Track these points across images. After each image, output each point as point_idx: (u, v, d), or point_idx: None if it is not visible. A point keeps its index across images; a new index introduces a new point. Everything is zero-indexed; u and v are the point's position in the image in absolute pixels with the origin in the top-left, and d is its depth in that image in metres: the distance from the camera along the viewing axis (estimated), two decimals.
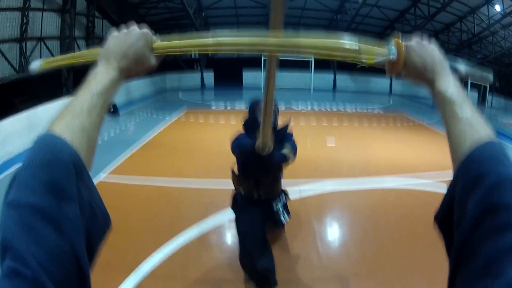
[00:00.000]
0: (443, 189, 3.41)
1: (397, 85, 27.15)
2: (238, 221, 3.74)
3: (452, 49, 25.73)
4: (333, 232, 5.77)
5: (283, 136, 3.47)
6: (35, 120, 10.90)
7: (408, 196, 7.22)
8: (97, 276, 1.98)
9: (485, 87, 25.46)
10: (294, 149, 3.40)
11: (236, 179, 3.73)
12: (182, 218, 5.81)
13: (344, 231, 5.82)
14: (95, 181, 6.85)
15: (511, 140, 11.91)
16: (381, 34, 27.18)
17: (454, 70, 1.09)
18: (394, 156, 10.10)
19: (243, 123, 3.59)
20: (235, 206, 3.90)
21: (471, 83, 24.77)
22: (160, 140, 11.19)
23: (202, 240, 5.10)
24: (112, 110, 14.82)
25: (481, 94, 26.00)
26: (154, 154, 9.79)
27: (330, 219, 6.19)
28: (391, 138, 12.72)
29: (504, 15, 18.89)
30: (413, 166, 8.97)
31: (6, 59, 12.97)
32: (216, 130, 12.42)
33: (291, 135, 3.58)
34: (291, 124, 3.67)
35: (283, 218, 3.68)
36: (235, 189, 3.85)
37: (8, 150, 9.46)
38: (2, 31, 12.57)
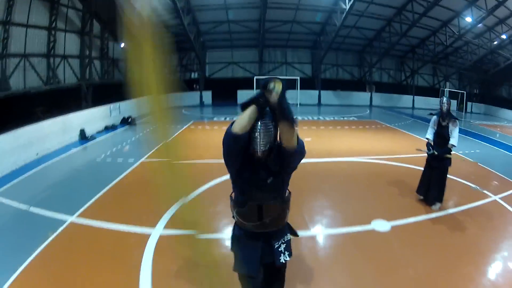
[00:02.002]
0: (377, 161, 10.08)
1: (377, 98, 29.80)
2: (235, 262, 3.27)
3: (429, 61, 28.49)
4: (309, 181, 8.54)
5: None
6: (68, 124, 13.37)
7: (355, 165, 10.58)
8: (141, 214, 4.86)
9: (462, 94, 27.75)
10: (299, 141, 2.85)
11: (233, 205, 3.18)
12: (200, 178, 8.51)
13: (313, 183, 8.53)
14: (142, 160, 10.41)
15: (479, 136, 15.36)
16: (361, 52, 29.99)
17: None
18: (354, 146, 13.24)
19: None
20: (233, 242, 3.35)
21: (449, 91, 27.45)
22: (179, 139, 13.95)
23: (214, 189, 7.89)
24: (130, 121, 17.58)
25: (458, 102, 28.18)
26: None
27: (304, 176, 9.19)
28: (355, 135, 15.88)
29: (474, 24, 21.31)
30: (365, 151, 12.06)
31: (35, 71, 15.32)
32: (219, 133, 15.21)
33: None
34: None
35: (282, 257, 3.16)
36: (233, 217, 3.27)
37: (47, 146, 11.65)
38: (32, 47, 14.85)
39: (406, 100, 29.57)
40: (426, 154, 7.10)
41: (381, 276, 4.66)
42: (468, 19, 21.20)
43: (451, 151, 6.78)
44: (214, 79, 29.77)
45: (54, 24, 15.65)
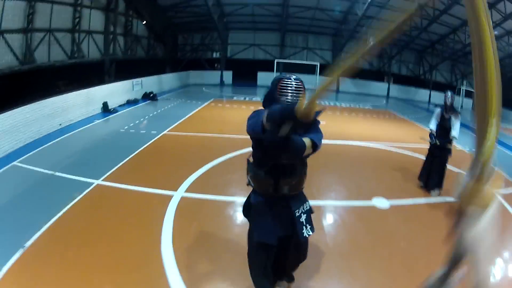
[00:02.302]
0: (385, 148, 10.62)
1: (394, 90, 29.87)
2: (252, 230, 3.19)
3: (447, 58, 28.34)
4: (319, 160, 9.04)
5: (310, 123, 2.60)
6: (92, 96, 14.02)
7: (364, 149, 11.05)
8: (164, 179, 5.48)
9: None
10: (316, 140, 2.73)
11: (252, 169, 3.08)
12: (219, 150, 9.20)
13: (323, 161, 8.86)
14: (165, 132, 11.27)
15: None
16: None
17: None
18: (365, 132, 13.71)
19: (262, 100, 2.99)
20: (249, 211, 3.27)
21: (465, 90, 27.40)
22: (200, 115, 15.23)
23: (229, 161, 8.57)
24: (152, 96, 18.26)
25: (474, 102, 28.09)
26: (198, 122, 13.74)
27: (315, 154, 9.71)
28: (368, 123, 16.39)
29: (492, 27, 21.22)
30: (375, 137, 12.54)
31: (60, 45, 15.84)
32: (237, 111, 16.53)
33: (319, 122, 2.91)
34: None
35: (305, 230, 3.02)
36: (249, 183, 3.18)
37: (69, 117, 12.26)
38: (57, 22, 15.30)
39: (422, 94, 29.44)
40: (428, 144, 7.53)
41: (376, 245, 5.17)
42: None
43: (451, 142, 7.18)
44: (235, 60, 30.12)
45: (79, 0, 16.16)
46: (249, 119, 2.69)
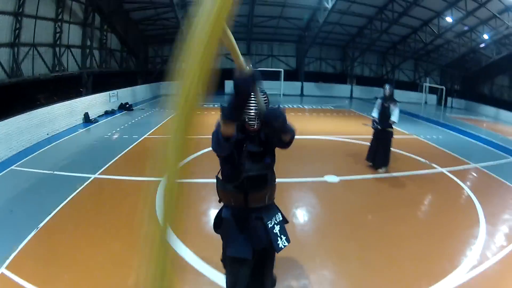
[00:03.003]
0: (341, 139, 12.77)
1: (357, 91, 31.68)
2: (224, 245, 3.15)
3: (410, 57, 30.23)
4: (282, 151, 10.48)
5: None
6: (74, 107, 14.96)
7: (322, 141, 12.56)
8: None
9: (442, 90, 29.51)
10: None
11: (221, 185, 3.03)
12: (194, 147, 10.20)
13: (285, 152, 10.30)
14: (145, 136, 12.20)
15: (447, 126, 17.64)
16: (344, 47, 31.74)
17: None
18: (325, 128, 15.50)
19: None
20: (220, 226, 3.19)
21: (429, 87, 29.25)
22: None
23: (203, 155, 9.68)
24: (127, 106, 19.31)
25: (438, 97, 30.19)
26: None
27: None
28: (328, 121, 18.26)
29: (453, 24, 23.00)
30: (333, 132, 14.21)
31: (42, 59, 16.53)
32: (207, 116, 17.11)
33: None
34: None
35: (280, 241, 2.97)
36: (220, 200, 3.14)
37: (55, 127, 13.12)
38: (40, 36, 16.06)
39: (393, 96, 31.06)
40: (372, 129, 9.04)
41: (326, 207, 6.71)
42: (449, 19, 22.78)
43: (391, 126, 8.67)
44: None
45: (60, 16, 16.97)
46: (212, 137, 2.56)
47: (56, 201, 6.52)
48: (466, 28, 23.83)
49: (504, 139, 14.85)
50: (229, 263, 3.07)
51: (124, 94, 20.71)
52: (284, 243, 3.00)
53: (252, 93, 2.29)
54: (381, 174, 8.67)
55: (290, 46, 31.83)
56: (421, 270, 4.56)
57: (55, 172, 8.35)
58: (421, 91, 29.98)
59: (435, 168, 9.50)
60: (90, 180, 7.76)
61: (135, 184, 7.57)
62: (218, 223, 3.19)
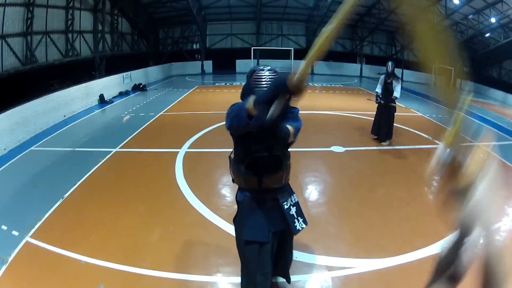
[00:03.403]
0: (348, 114, 13.20)
1: (367, 70, 31.74)
2: (240, 228, 2.97)
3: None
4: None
5: (287, 109, 2.62)
6: (90, 90, 15.57)
7: (330, 116, 13.02)
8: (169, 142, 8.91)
9: (450, 71, 29.19)
10: (296, 127, 2.76)
11: (234, 166, 2.95)
12: (208, 123, 10.96)
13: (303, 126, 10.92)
14: (161, 113, 12.93)
15: None
16: (353, 26, 31.70)
17: None
18: (333, 104, 15.91)
19: (241, 93, 2.84)
20: (236, 214, 3.09)
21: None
22: (188, 99, 17.12)
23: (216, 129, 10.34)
24: (141, 87, 19.87)
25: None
26: (188, 104, 15.62)
27: None
28: (337, 98, 18.71)
29: (460, 6, 22.88)
30: (340, 108, 14.57)
31: (56, 46, 17.17)
32: (220, 94, 18.75)
33: (298, 110, 2.92)
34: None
35: (297, 223, 2.89)
36: (233, 180, 3.06)
37: (72, 109, 13.68)
38: (52, 24, 16.63)
39: (395, 72, 31.06)
40: (376, 104, 9.48)
41: (332, 172, 7.32)
42: (456, 1, 22.71)
43: (394, 101, 9.09)
44: (214, 50, 31.55)
45: (71, 3, 17.49)
46: (227, 115, 2.44)
47: (80, 173, 7.02)
48: (473, 10, 23.52)
49: (510, 122, 15.06)
50: (245, 247, 2.85)
51: (137, 76, 21.26)
52: (302, 225, 2.93)
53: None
54: (385, 147, 9.13)
55: (300, 26, 31.85)
56: (417, 231, 4.99)
57: (76, 149, 8.87)
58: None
59: (437, 144, 9.81)
60: (111, 153, 8.32)
61: (156, 155, 8.25)
62: (235, 214, 3.11)
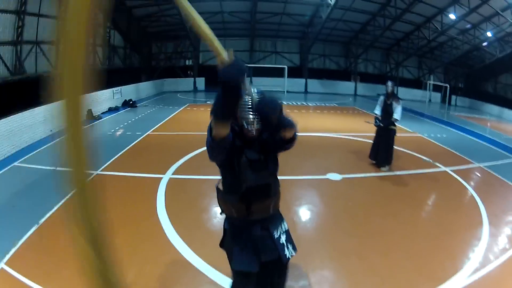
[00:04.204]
0: (344, 136, 12.75)
1: (361, 88, 31.52)
2: (230, 258, 2.92)
3: (413, 54, 30.04)
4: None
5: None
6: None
7: (324, 138, 12.65)
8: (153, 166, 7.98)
9: (445, 88, 29.19)
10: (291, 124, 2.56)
11: (223, 196, 2.86)
12: (197, 144, 10.29)
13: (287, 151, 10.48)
14: (148, 133, 12.37)
15: (451, 124, 17.60)
16: (347, 43, 31.63)
17: None
18: (327, 125, 15.46)
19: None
20: (223, 241, 3.06)
21: (433, 85, 29.15)
22: (177, 118, 16.57)
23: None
24: (131, 103, 19.36)
25: (442, 94, 29.97)
26: (177, 123, 15.10)
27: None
28: (331, 118, 18.38)
29: (457, 21, 22.84)
30: (335, 129, 14.18)
31: (46, 57, 16.55)
32: (205, 113, 17.58)
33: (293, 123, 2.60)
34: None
35: (287, 251, 2.84)
36: (222, 211, 2.95)
37: (59, 124, 13.21)
38: (42, 34, 16.12)
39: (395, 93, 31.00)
40: (375, 127, 8.99)
41: (328, 204, 6.75)
42: (452, 16, 22.68)
43: (394, 124, 8.62)
44: (207, 66, 31.23)
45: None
46: (207, 147, 2.52)
47: (58, 197, 6.44)
48: (469, 26, 23.67)
49: (508, 139, 14.73)
50: (235, 276, 2.90)
51: (128, 91, 20.78)
52: (292, 252, 2.88)
53: (245, 90, 2.16)
54: (384, 173, 8.63)
55: (294, 43, 31.82)
56: (422, 272, 4.52)
57: (58, 168, 8.30)
58: (425, 89, 29.89)
59: (438, 167, 9.43)
60: (91, 177, 7.72)
61: (138, 180, 7.64)
62: (223, 239, 3.06)
